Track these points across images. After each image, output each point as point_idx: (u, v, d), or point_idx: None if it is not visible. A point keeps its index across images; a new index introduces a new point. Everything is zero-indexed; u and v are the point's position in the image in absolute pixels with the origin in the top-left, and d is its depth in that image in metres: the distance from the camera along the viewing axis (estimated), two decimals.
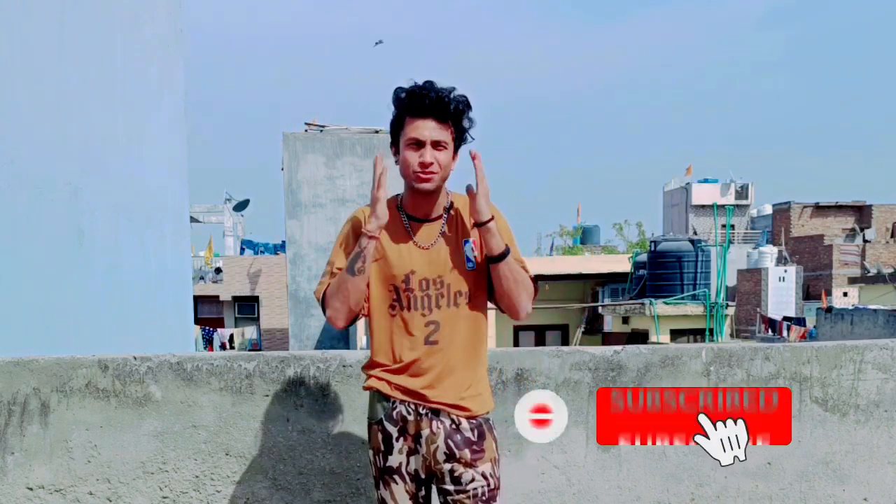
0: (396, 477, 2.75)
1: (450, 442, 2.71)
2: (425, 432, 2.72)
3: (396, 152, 2.72)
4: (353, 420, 3.48)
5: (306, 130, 23.55)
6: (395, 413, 2.74)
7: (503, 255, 2.66)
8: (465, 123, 2.71)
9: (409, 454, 2.75)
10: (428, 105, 2.62)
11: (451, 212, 2.79)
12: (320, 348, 20.17)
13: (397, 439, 2.74)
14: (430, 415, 2.71)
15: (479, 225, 2.65)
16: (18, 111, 5.05)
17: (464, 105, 2.67)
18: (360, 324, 2.84)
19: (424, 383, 2.71)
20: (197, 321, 23.62)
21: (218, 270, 36.69)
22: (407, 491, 2.77)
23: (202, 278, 35.70)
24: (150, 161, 7.21)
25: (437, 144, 2.63)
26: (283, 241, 26.99)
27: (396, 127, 2.71)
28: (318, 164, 22.71)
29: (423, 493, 2.80)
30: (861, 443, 3.67)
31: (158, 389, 3.47)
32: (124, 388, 3.46)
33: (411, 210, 2.77)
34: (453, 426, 2.72)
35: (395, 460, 2.75)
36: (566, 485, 3.58)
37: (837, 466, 3.66)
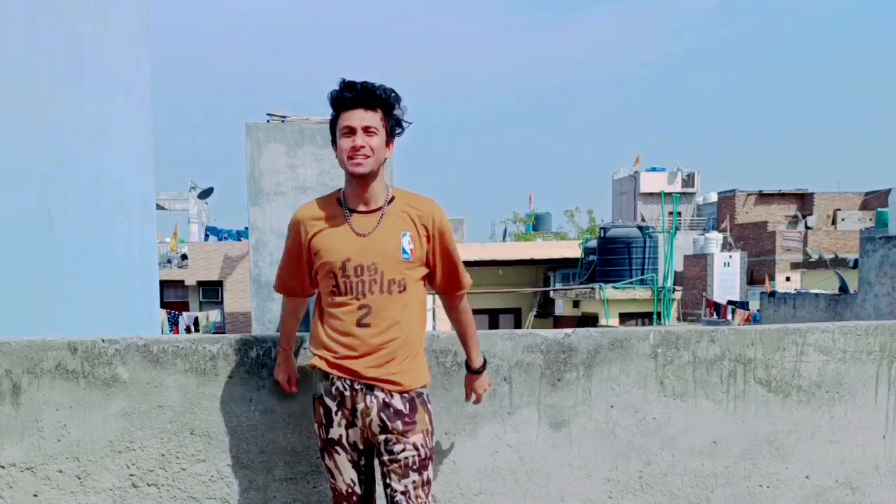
0: (338, 448, 3.02)
1: (382, 415, 2.94)
2: (360, 406, 2.95)
3: (335, 146, 2.97)
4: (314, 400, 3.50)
5: (269, 121, 23.55)
6: (333, 389, 2.98)
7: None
8: (396, 112, 2.97)
9: (347, 426, 2.99)
10: (355, 97, 2.88)
11: (391, 205, 3.00)
12: None
13: (336, 413, 2.99)
14: (364, 390, 2.94)
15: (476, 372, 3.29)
16: None
17: (389, 92, 2.92)
18: None
19: (358, 362, 2.94)
20: (163, 305, 23.55)
21: (184, 257, 36.45)
22: (349, 460, 3.03)
23: (169, 262, 35.48)
24: (117, 151, 7.22)
25: (367, 129, 2.88)
26: (246, 228, 26.93)
27: (333, 125, 2.97)
28: (280, 154, 22.66)
29: (363, 461, 3.06)
30: (803, 422, 3.73)
31: (126, 371, 3.48)
32: (93, 369, 3.47)
33: (351, 202, 2.99)
34: (386, 400, 2.94)
35: (335, 432, 3.01)
36: (519, 463, 3.63)
37: (780, 445, 3.73)
